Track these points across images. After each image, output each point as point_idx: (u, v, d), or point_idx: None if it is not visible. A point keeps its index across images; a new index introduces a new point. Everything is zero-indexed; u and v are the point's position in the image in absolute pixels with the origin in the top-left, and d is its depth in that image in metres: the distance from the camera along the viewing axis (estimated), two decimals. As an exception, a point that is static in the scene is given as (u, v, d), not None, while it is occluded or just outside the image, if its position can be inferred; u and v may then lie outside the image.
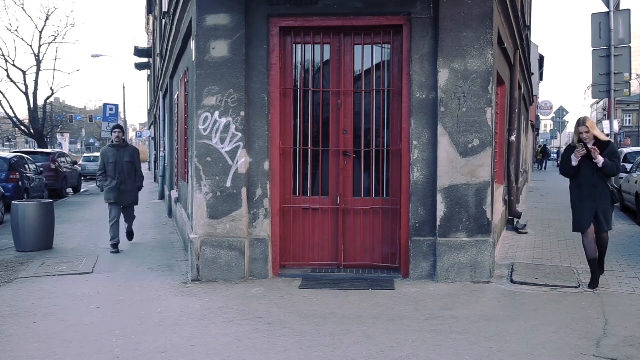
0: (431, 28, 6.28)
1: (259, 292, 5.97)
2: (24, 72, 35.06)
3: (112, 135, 8.75)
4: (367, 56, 6.64)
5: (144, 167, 49.96)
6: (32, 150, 26.71)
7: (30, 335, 4.70)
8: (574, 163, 6.01)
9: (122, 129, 8.90)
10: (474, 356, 4.19)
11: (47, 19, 35.99)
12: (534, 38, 65.09)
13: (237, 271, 6.39)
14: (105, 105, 26.53)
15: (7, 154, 16.72)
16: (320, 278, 6.43)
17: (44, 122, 36.74)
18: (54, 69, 48.31)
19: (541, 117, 41.54)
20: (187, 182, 7.84)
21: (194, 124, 6.48)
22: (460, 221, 6.28)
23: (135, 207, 9.02)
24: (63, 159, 20.70)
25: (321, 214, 6.74)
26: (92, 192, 21.01)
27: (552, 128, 46.20)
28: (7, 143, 68.50)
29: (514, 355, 4.21)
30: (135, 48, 31.59)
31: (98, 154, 35.84)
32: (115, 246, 8.38)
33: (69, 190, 20.68)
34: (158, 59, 18.61)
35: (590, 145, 5.93)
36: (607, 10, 10.50)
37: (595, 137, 6.00)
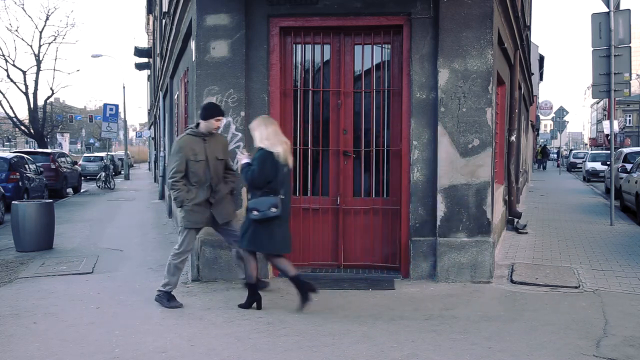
0: (431, 28, 6.28)
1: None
2: (24, 72, 35.13)
3: (206, 124, 5.59)
4: (367, 56, 6.64)
5: (144, 167, 49.86)
6: (32, 150, 26.74)
7: (30, 335, 4.70)
8: None
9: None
10: (474, 356, 4.19)
11: (47, 19, 36.07)
12: (534, 38, 65.09)
13: (237, 271, 6.37)
14: (105, 105, 26.54)
15: (7, 154, 16.73)
16: (320, 278, 6.43)
17: (44, 122, 36.77)
18: (54, 69, 48.47)
19: (541, 117, 41.52)
20: (187, 182, 7.82)
21: (194, 124, 6.47)
22: (460, 221, 6.28)
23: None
24: (63, 159, 20.70)
25: (321, 214, 6.74)
26: (92, 192, 21.02)
27: (552, 128, 46.15)
28: (7, 143, 68.50)
29: (514, 355, 4.22)
30: (135, 48, 31.60)
31: (98, 154, 35.88)
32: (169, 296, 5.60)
33: (69, 190, 20.68)
34: (158, 59, 18.61)
35: None
36: (607, 10, 10.51)
37: None
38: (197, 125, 5.63)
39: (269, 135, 5.18)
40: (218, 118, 5.57)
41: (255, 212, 5.12)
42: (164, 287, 5.53)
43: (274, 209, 5.08)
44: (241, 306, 5.37)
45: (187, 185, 5.49)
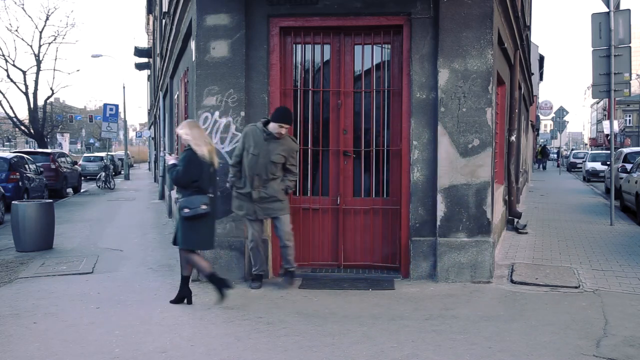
0: (431, 28, 6.28)
1: (258, 292, 5.97)
2: (24, 72, 35.14)
3: (273, 125, 5.89)
4: (367, 56, 6.64)
5: (144, 167, 49.87)
6: (32, 150, 26.73)
7: (30, 335, 4.70)
8: None
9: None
10: (474, 356, 4.19)
11: (47, 19, 36.07)
12: (534, 38, 65.11)
13: (237, 271, 6.39)
14: (105, 105, 26.54)
15: (7, 154, 16.73)
16: (320, 278, 6.43)
17: (44, 122, 36.77)
18: (54, 69, 48.45)
19: (541, 117, 41.52)
20: (187, 182, 7.82)
21: (194, 124, 6.47)
22: (460, 221, 6.28)
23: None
24: (63, 159, 20.70)
25: (321, 214, 6.74)
26: (92, 192, 21.02)
27: (552, 128, 46.14)
28: (7, 143, 68.49)
29: (514, 355, 4.21)
30: (135, 48, 31.62)
31: (98, 154, 35.88)
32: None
33: (69, 190, 20.68)
34: (158, 59, 18.61)
35: None
36: (607, 10, 10.51)
37: None
38: (268, 121, 5.92)
39: (193, 137, 5.36)
40: (282, 125, 5.83)
41: (186, 210, 5.32)
42: (254, 271, 6.14)
43: (204, 206, 5.30)
44: (171, 301, 5.56)
45: (240, 172, 5.95)
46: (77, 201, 17.40)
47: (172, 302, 5.56)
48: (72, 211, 14.13)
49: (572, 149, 54.97)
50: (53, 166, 18.65)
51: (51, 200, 9.67)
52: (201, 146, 5.33)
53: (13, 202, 9.28)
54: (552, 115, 36.28)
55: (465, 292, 5.92)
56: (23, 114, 39.55)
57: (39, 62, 35.30)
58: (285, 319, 5.04)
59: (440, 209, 6.30)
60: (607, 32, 10.45)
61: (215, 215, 5.54)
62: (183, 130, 5.44)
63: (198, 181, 5.32)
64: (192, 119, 6.61)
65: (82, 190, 21.85)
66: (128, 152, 33.58)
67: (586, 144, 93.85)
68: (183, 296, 5.55)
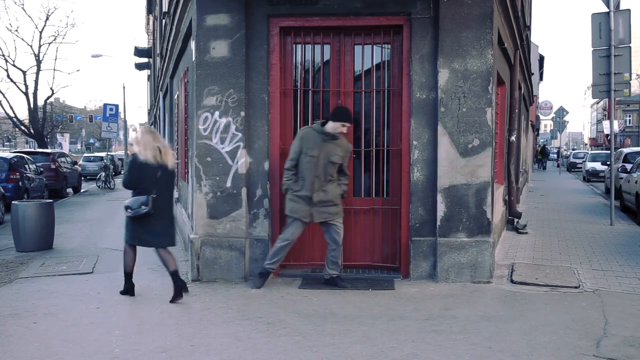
0: (431, 28, 6.28)
1: (258, 292, 5.97)
2: (24, 72, 35.12)
3: (334, 125, 5.96)
4: (367, 56, 6.64)
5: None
6: (32, 150, 26.71)
7: (30, 335, 4.70)
8: None
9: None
10: (474, 356, 4.19)
11: (47, 19, 36.05)
12: (534, 38, 65.12)
13: (237, 271, 6.39)
14: (105, 105, 26.53)
15: (7, 154, 16.73)
16: (320, 278, 6.43)
17: (44, 122, 36.75)
18: (54, 69, 48.29)
19: (541, 117, 41.53)
20: (187, 182, 7.84)
21: (194, 124, 6.48)
22: (460, 221, 6.28)
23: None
24: (63, 159, 20.69)
25: (321, 214, 6.72)
26: (92, 192, 21.02)
27: (552, 128, 46.13)
28: (7, 143, 68.49)
29: (514, 355, 4.21)
30: (135, 48, 31.64)
31: (98, 154, 35.90)
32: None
33: (69, 190, 20.68)
34: (158, 59, 18.62)
35: None
36: (607, 10, 10.51)
37: None
38: (325, 123, 5.96)
39: (139, 143, 5.69)
40: (343, 124, 5.93)
41: (129, 210, 5.66)
42: (266, 265, 6.09)
43: (144, 207, 5.57)
44: (121, 292, 5.97)
45: (296, 175, 5.94)
46: (77, 201, 17.41)
47: (120, 292, 5.95)
48: (72, 211, 14.13)
49: (573, 149, 54.92)
50: (53, 166, 18.65)
51: (51, 200, 9.67)
52: (146, 151, 5.62)
53: (13, 202, 9.29)
54: (552, 115, 36.28)
55: (465, 292, 5.92)
56: (23, 114, 39.58)
57: (39, 62, 35.30)
58: (285, 319, 5.04)
59: (440, 209, 6.30)
60: (607, 32, 10.46)
61: (164, 213, 5.78)
62: (134, 137, 5.86)
63: (142, 183, 5.63)
64: (192, 118, 6.62)
65: (82, 190, 21.86)
66: (128, 152, 33.59)
67: (586, 144, 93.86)
68: (180, 289, 5.68)
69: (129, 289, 5.96)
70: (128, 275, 5.97)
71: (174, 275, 5.69)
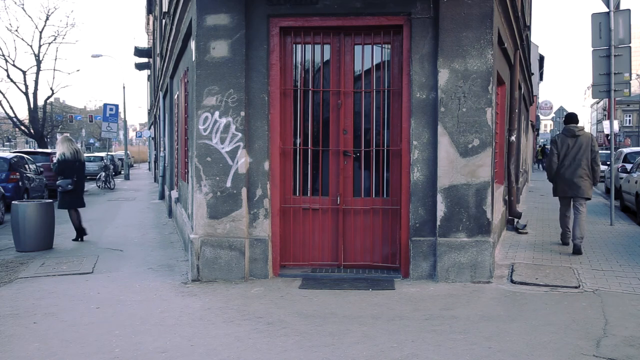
0: (431, 28, 6.28)
1: (259, 292, 5.97)
2: (24, 72, 35.11)
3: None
4: (367, 56, 6.64)
5: (144, 167, 49.77)
6: (32, 150, 26.72)
7: (30, 335, 4.70)
8: None
9: None
10: (474, 356, 4.19)
11: (47, 19, 36.03)
12: (534, 38, 65.11)
13: (237, 271, 6.39)
14: (105, 105, 26.56)
15: (7, 154, 16.73)
16: (320, 278, 6.43)
17: (44, 122, 36.75)
18: (54, 69, 48.37)
19: (541, 117, 41.53)
20: (187, 182, 7.84)
21: (194, 124, 6.48)
22: (460, 221, 6.28)
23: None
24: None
25: (321, 214, 6.74)
26: (92, 192, 21.01)
27: (552, 128, 46.20)
28: (7, 143, 68.47)
29: (514, 355, 4.21)
30: (135, 48, 31.64)
31: (98, 154, 35.93)
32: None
33: (69, 190, 20.64)
34: (158, 59, 18.62)
35: None
36: (607, 10, 10.52)
37: None
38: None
39: (62, 146, 9.54)
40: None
41: (60, 187, 9.38)
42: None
43: (70, 186, 9.34)
44: (73, 240, 9.49)
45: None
46: (77, 201, 17.37)
47: (73, 240, 9.45)
48: (72, 211, 14.11)
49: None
50: (53, 166, 18.64)
51: (51, 200, 9.66)
52: (65, 152, 9.37)
53: (13, 202, 9.29)
54: (552, 115, 36.33)
55: (465, 292, 5.92)
56: (23, 114, 39.62)
57: (39, 62, 35.29)
58: (285, 319, 5.04)
59: (440, 209, 6.30)
60: (607, 32, 10.46)
61: (80, 190, 9.62)
62: (58, 143, 9.86)
63: (67, 172, 9.35)
64: (192, 118, 6.63)
65: (82, 190, 21.81)
66: (128, 152, 33.60)
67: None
68: (82, 234, 9.49)
69: (80, 236, 9.49)
70: (78, 228, 9.50)
71: (78, 228, 9.48)
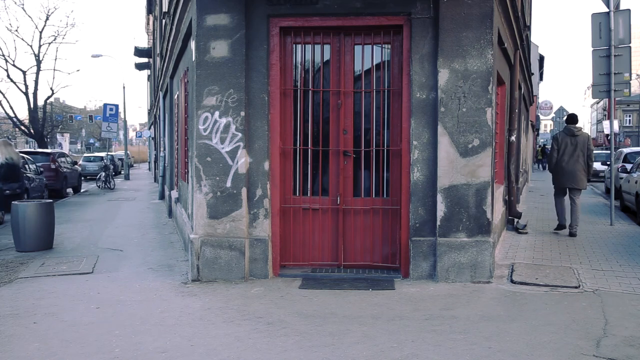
0: (431, 28, 6.28)
1: (259, 292, 5.97)
2: (24, 72, 35.09)
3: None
4: (367, 56, 6.64)
5: (144, 167, 49.82)
6: (32, 150, 26.69)
7: (30, 335, 4.70)
8: None
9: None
10: (474, 356, 4.19)
11: (47, 19, 36.03)
12: (534, 38, 65.12)
13: (237, 271, 6.39)
14: (105, 105, 26.56)
15: (7, 154, 16.69)
16: (320, 278, 6.43)
17: (44, 122, 36.74)
18: (54, 69, 48.45)
19: (541, 117, 41.55)
20: (187, 182, 7.84)
21: (194, 124, 6.48)
22: (460, 221, 6.28)
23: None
24: (63, 159, 20.66)
25: (321, 214, 6.74)
26: (92, 192, 21.02)
27: (552, 128, 46.21)
28: (7, 143, 68.30)
29: (514, 355, 4.22)
30: (135, 48, 31.64)
31: (98, 154, 35.91)
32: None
33: (69, 190, 20.67)
34: (158, 59, 18.62)
35: None
36: (607, 10, 10.51)
37: None
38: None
39: (5, 152, 11.17)
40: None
41: (7, 191, 11.43)
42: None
43: (19, 190, 11.37)
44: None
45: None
46: (77, 201, 17.40)
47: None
48: (72, 211, 14.14)
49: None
50: (53, 166, 18.63)
51: (51, 200, 9.67)
52: (4, 155, 10.98)
53: (13, 202, 9.28)
54: (552, 115, 36.34)
55: (465, 292, 5.92)
56: (23, 114, 39.59)
57: (39, 62, 35.28)
58: (285, 319, 5.04)
59: (440, 209, 6.30)
60: (607, 32, 10.46)
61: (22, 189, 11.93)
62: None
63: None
64: (192, 118, 6.63)
65: (82, 190, 21.85)
66: (128, 152, 33.59)
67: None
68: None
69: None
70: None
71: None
